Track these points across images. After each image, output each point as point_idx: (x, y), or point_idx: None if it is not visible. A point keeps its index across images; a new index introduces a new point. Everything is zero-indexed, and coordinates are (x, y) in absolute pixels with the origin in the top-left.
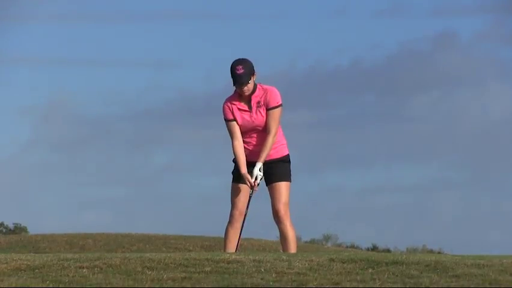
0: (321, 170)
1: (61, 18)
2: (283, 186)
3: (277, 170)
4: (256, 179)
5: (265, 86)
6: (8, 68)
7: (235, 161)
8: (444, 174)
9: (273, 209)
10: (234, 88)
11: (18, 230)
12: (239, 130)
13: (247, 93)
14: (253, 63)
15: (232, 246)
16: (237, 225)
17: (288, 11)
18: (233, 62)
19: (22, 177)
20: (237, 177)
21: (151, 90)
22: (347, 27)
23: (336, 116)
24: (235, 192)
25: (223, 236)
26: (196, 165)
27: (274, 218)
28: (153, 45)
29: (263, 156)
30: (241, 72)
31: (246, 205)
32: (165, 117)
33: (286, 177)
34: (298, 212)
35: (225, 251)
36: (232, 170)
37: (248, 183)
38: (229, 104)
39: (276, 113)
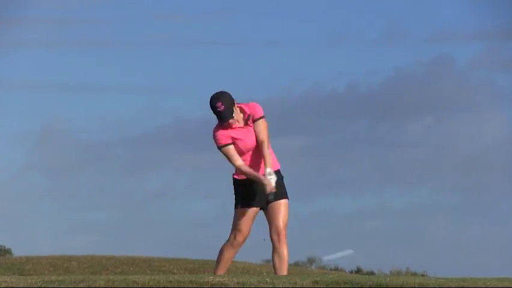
0: (314, 194)
1: (55, 44)
2: (284, 205)
3: (277, 188)
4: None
5: (246, 103)
6: (3, 94)
7: (240, 182)
8: (435, 199)
9: (273, 228)
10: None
11: (3, 252)
12: (236, 151)
13: (234, 125)
14: (230, 93)
15: (226, 268)
16: (238, 249)
17: (285, 38)
18: (211, 100)
19: (12, 202)
20: (244, 201)
21: (146, 115)
22: (344, 54)
23: (330, 140)
24: (242, 217)
25: (219, 257)
26: (188, 190)
27: (272, 237)
28: (148, 71)
29: (268, 163)
30: (222, 109)
31: (249, 230)
32: (160, 142)
33: (286, 195)
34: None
35: (217, 272)
36: (235, 196)
37: (269, 186)
38: (222, 132)
39: (262, 123)
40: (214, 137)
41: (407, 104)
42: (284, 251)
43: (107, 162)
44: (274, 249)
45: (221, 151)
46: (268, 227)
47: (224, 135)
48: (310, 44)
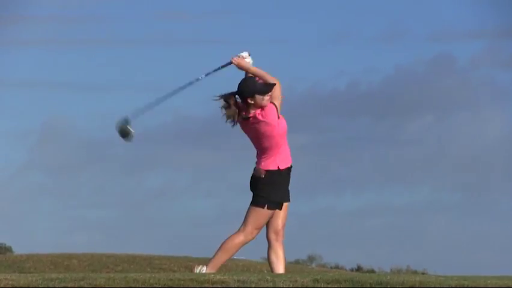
0: (314, 193)
1: (55, 42)
2: (286, 207)
3: (288, 189)
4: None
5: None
6: (3, 92)
7: (280, 174)
8: (436, 197)
9: (272, 227)
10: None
11: (3, 250)
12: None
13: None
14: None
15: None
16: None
17: (286, 37)
18: (247, 81)
19: (13, 200)
20: (275, 203)
21: (146, 114)
22: (344, 52)
23: (331, 139)
24: (267, 217)
25: (225, 250)
26: (189, 189)
27: (270, 235)
28: (148, 70)
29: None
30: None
31: None
32: (160, 141)
33: (289, 197)
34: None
35: (213, 265)
36: (265, 191)
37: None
38: (271, 105)
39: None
40: (272, 112)
41: (407, 103)
42: (281, 250)
43: (108, 161)
44: (271, 248)
45: (279, 109)
46: (266, 224)
47: (272, 105)
48: (310, 43)
